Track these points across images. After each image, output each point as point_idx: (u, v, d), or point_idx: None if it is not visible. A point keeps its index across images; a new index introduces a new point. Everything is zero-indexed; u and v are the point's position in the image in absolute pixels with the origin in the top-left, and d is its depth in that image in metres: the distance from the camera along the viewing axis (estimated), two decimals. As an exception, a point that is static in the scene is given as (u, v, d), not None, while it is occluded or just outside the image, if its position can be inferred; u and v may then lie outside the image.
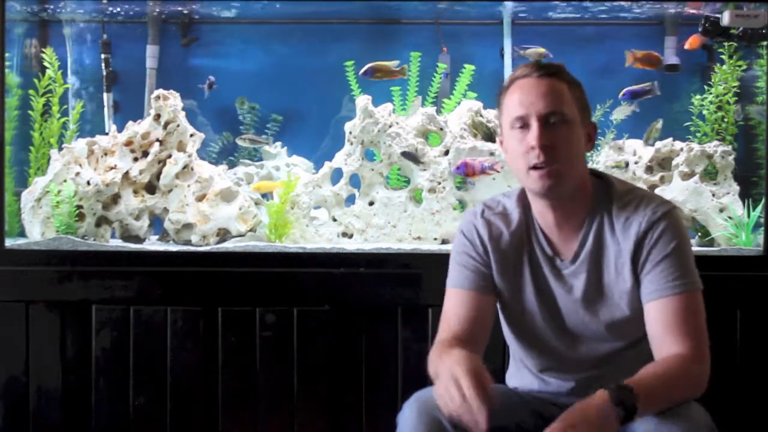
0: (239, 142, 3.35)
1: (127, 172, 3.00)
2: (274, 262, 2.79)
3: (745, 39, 3.02)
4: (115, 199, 3.01)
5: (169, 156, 3.04)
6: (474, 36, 3.57)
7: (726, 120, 3.16)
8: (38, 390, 2.72)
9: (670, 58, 3.38)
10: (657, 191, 3.00)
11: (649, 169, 3.11)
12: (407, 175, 3.13)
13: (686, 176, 3.06)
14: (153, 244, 3.05)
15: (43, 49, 3.26)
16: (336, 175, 3.11)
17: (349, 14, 3.48)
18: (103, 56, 3.49)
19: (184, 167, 3.04)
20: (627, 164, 3.12)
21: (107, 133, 3.12)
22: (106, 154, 3.04)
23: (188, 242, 3.00)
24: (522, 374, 2.12)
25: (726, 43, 3.10)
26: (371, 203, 3.08)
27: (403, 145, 3.03)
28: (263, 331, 2.70)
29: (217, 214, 3.01)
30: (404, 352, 2.70)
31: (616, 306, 1.94)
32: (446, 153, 3.06)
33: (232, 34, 3.58)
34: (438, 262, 2.76)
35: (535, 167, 1.88)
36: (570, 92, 1.92)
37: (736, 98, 3.17)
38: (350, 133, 3.06)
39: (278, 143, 3.36)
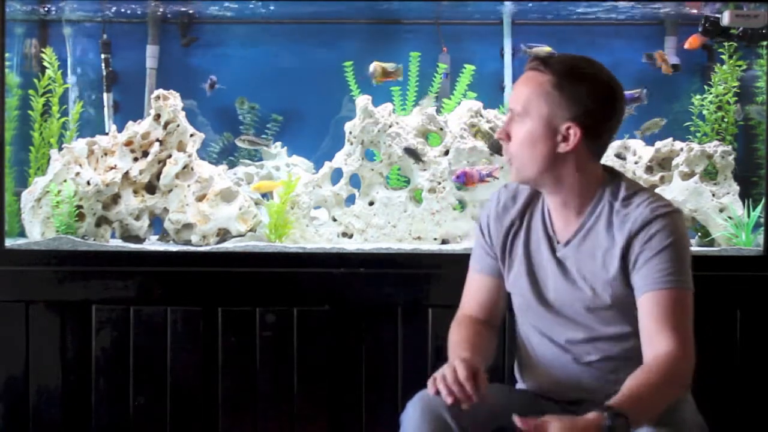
0: (239, 143, 3.34)
1: (127, 172, 3.00)
2: (274, 262, 2.79)
3: (745, 39, 3.02)
4: (115, 199, 3.01)
5: (169, 156, 3.04)
6: (474, 36, 3.57)
7: (726, 120, 3.16)
8: (38, 390, 2.72)
9: (670, 58, 3.38)
10: (657, 191, 3.00)
11: (649, 169, 3.11)
12: (407, 175, 3.13)
13: (686, 176, 3.06)
14: (153, 244, 3.05)
15: (43, 49, 3.26)
16: (336, 175, 3.11)
17: (349, 14, 3.48)
18: (103, 56, 3.49)
19: (184, 167, 3.04)
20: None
21: (107, 133, 3.12)
22: (106, 154, 3.04)
23: (188, 242, 3.00)
24: (525, 352, 2.14)
25: (726, 43, 3.10)
26: (371, 203, 3.08)
27: (403, 145, 3.03)
28: (263, 331, 2.71)
29: (217, 214, 3.01)
30: (404, 352, 2.70)
31: (598, 295, 1.96)
32: (446, 153, 3.06)
33: (232, 34, 3.58)
34: (438, 262, 2.78)
35: None
36: (551, 86, 1.90)
37: (736, 98, 3.17)
38: (350, 133, 3.06)
39: (278, 143, 3.36)
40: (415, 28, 3.56)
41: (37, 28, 3.47)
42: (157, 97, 3.04)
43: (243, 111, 3.53)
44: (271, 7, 3.37)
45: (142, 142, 3.04)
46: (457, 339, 2.05)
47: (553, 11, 3.38)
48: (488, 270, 2.13)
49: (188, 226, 3.01)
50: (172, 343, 2.71)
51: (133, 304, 2.71)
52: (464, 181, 2.91)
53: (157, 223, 3.18)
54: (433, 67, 3.36)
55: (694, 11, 3.24)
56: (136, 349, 2.71)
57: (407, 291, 2.71)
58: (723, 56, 3.15)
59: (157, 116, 3.04)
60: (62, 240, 2.85)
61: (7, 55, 2.88)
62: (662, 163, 3.14)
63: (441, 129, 3.08)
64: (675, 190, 3.02)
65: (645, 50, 3.39)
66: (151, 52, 3.49)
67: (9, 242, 2.86)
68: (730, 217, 2.97)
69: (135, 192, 3.04)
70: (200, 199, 3.03)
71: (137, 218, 3.03)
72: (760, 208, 2.90)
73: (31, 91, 3.18)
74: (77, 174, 2.93)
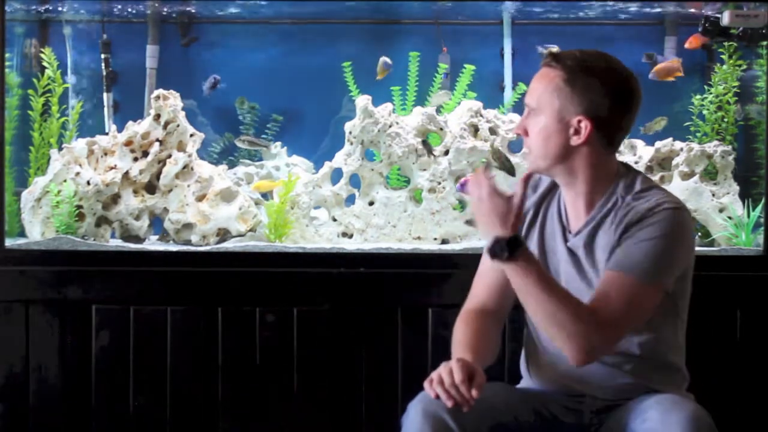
0: (238, 143, 3.34)
1: (127, 172, 3.00)
2: (274, 262, 2.79)
3: (745, 39, 3.02)
4: (115, 199, 3.01)
5: (169, 156, 3.04)
6: (474, 36, 3.57)
7: (726, 120, 3.16)
8: (38, 390, 2.72)
9: (670, 58, 3.38)
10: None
11: (649, 169, 3.11)
12: (407, 175, 3.13)
13: (686, 176, 3.06)
14: (153, 244, 3.05)
15: (42, 49, 3.26)
16: (336, 175, 3.11)
17: (349, 14, 3.48)
18: (103, 56, 3.49)
19: (184, 167, 3.04)
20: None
21: (107, 133, 3.12)
22: (106, 154, 3.04)
23: (188, 242, 3.00)
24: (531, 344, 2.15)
25: (726, 43, 3.10)
26: (371, 203, 3.08)
27: (403, 145, 3.03)
28: (263, 331, 2.70)
29: (217, 214, 3.01)
30: (404, 352, 2.70)
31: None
32: (446, 153, 3.06)
33: (232, 34, 3.58)
34: (438, 262, 2.78)
35: None
36: (562, 81, 1.93)
37: (736, 98, 3.17)
38: (350, 133, 3.06)
39: (278, 143, 3.36)
40: (415, 28, 3.56)
41: (37, 28, 3.46)
42: (157, 97, 3.04)
43: (243, 111, 3.52)
44: (276, 6, 3.38)
45: (142, 142, 3.04)
46: (460, 338, 2.05)
47: (557, 11, 3.38)
48: None
49: (188, 226, 3.01)
50: (172, 343, 2.71)
51: (133, 304, 2.71)
52: (461, 189, 2.91)
53: (157, 223, 3.17)
54: (433, 67, 3.36)
55: (692, 10, 3.24)
56: (136, 349, 2.71)
57: (407, 291, 2.71)
58: (723, 56, 3.15)
59: (157, 116, 3.04)
60: (62, 240, 2.85)
61: (7, 55, 2.88)
62: (662, 163, 3.14)
63: (441, 129, 3.09)
64: (675, 190, 3.01)
65: (645, 50, 3.39)
66: (151, 52, 3.48)
67: (9, 242, 2.86)
68: (730, 217, 2.97)
69: (135, 192, 3.04)
70: (200, 199, 3.03)
71: (137, 218, 3.03)
72: (760, 208, 2.90)
73: (30, 91, 3.18)
74: (77, 174, 2.93)
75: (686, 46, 3.24)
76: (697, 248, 2.85)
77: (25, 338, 2.71)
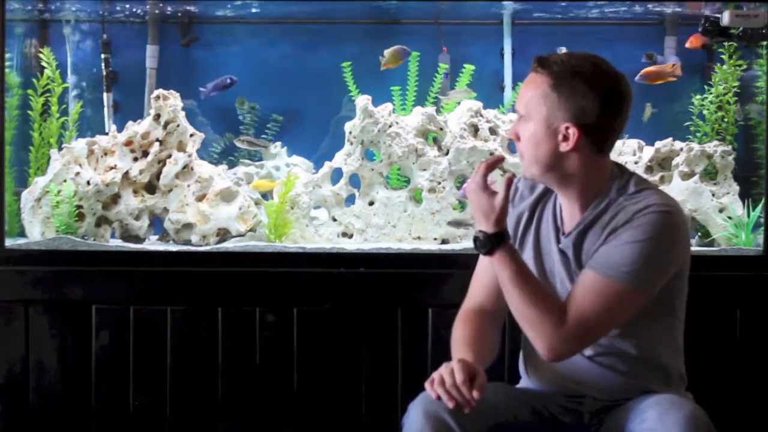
0: (237, 143, 3.34)
1: (127, 172, 3.00)
2: (274, 262, 2.79)
3: (745, 39, 3.02)
4: (115, 199, 3.01)
5: (169, 156, 3.04)
6: (474, 36, 3.57)
7: (726, 120, 3.16)
8: (38, 390, 2.72)
9: (670, 58, 3.38)
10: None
11: (649, 169, 3.11)
12: (407, 175, 3.13)
13: (686, 176, 3.06)
14: (153, 244, 3.05)
15: (41, 49, 3.26)
16: (336, 175, 3.11)
17: (349, 14, 3.48)
18: (103, 56, 3.49)
19: (184, 167, 3.04)
20: None
21: (107, 133, 3.12)
22: (106, 154, 3.04)
23: (188, 242, 3.00)
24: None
25: (726, 43, 3.10)
26: (371, 203, 3.08)
27: (403, 145, 3.03)
28: (263, 331, 2.70)
29: (217, 214, 3.01)
30: (404, 352, 2.70)
31: None
32: (446, 153, 3.06)
33: (232, 34, 3.58)
34: (438, 262, 2.78)
35: None
36: (548, 87, 1.92)
37: (736, 98, 3.17)
38: (350, 133, 3.06)
39: (278, 143, 3.36)
40: (415, 28, 3.56)
41: (37, 28, 3.47)
42: (157, 97, 3.04)
43: (243, 111, 3.52)
44: (277, 6, 3.38)
45: (142, 142, 3.04)
46: (459, 338, 2.06)
47: (558, 10, 3.38)
48: None
49: (188, 226, 3.01)
50: (172, 343, 2.71)
51: (133, 304, 2.71)
52: (465, 195, 2.94)
53: (157, 223, 3.17)
54: (433, 67, 3.36)
55: (688, 11, 3.24)
56: (136, 349, 2.71)
57: (407, 291, 2.71)
58: (723, 56, 3.15)
59: (157, 116, 3.04)
60: (62, 240, 2.85)
61: (7, 55, 2.88)
62: (662, 163, 3.14)
63: (441, 129, 3.09)
64: (675, 190, 3.02)
65: (645, 50, 3.39)
66: (151, 52, 3.48)
67: (9, 242, 2.86)
68: (729, 217, 2.97)
69: (135, 192, 3.04)
70: (200, 199, 3.03)
71: (137, 218, 3.03)
72: (759, 208, 2.90)
73: (30, 91, 3.18)
74: (77, 174, 2.93)
75: (687, 45, 3.24)
76: (697, 248, 2.88)
77: (25, 338, 2.71)
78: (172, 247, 2.92)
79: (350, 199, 3.12)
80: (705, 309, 2.60)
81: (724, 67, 3.15)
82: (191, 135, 3.09)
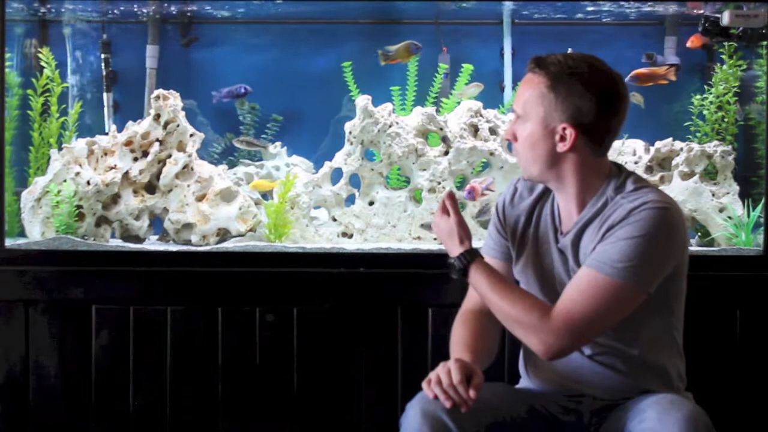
0: (236, 144, 3.35)
1: (127, 172, 3.00)
2: (274, 262, 2.79)
3: (745, 39, 3.02)
4: (115, 199, 3.02)
5: (169, 156, 3.05)
6: (474, 36, 3.57)
7: (726, 120, 3.16)
8: (38, 390, 2.72)
9: (670, 58, 3.38)
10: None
11: (649, 169, 3.11)
12: (407, 175, 3.13)
13: (686, 176, 3.06)
14: (153, 244, 3.05)
15: (40, 49, 3.26)
16: (336, 175, 3.11)
17: (349, 14, 3.48)
18: (103, 56, 3.49)
19: (184, 167, 3.04)
20: None
21: (107, 133, 3.12)
22: (106, 154, 3.04)
23: (188, 242, 3.00)
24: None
25: (726, 43, 3.10)
26: (371, 203, 3.08)
27: (403, 145, 3.03)
28: (263, 331, 2.71)
29: (217, 214, 3.01)
30: (404, 352, 2.70)
31: None
32: (446, 153, 3.06)
33: (232, 34, 3.58)
34: (438, 262, 2.78)
35: None
36: (545, 87, 1.92)
37: (736, 98, 3.17)
38: (350, 133, 3.06)
39: (278, 143, 3.36)
40: (415, 28, 3.56)
41: (37, 28, 3.47)
42: (157, 97, 3.04)
43: (243, 111, 3.52)
44: (277, 6, 3.38)
45: (142, 142, 3.04)
46: (457, 338, 2.06)
47: (558, 10, 3.38)
48: (499, 253, 2.16)
49: (188, 226, 3.01)
50: (172, 343, 2.71)
51: (133, 304, 2.71)
52: (472, 196, 2.93)
53: (157, 223, 3.18)
54: (434, 67, 3.36)
55: (683, 10, 3.24)
56: (136, 349, 2.72)
57: (407, 291, 2.71)
58: (723, 56, 3.15)
59: (157, 116, 3.04)
60: (62, 240, 2.85)
61: (7, 55, 2.88)
62: (662, 163, 3.14)
63: (441, 129, 3.09)
64: (675, 190, 3.02)
65: (645, 50, 3.39)
66: (151, 52, 3.49)
67: (9, 242, 2.86)
68: (729, 217, 2.97)
69: (135, 192, 3.04)
70: (200, 199, 3.03)
71: (137, 218, 3.03)
72: (759, 208, 2.90)
73: (30, 91, 3.18)
74: (77, 174, 2.93)
75: (688, 44, 3.24)
76: (697, 248, 2.88)
77: (25, 338, 2.71)
78: (172, 247, 2.92)
79: (350, 199, 3.12)
80: (705, 309, 2.61)
81: (724, 67, 3.15)
82: (191, 135, 3.09)
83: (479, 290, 1.99)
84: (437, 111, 3.15)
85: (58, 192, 2.90)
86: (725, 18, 2.95)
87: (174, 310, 2.71)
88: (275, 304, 2.71)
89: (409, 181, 3.12)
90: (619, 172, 2.02)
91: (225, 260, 2.80)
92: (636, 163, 3.12)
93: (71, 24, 3.49)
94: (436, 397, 1.83)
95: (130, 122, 3.09)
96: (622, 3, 3.22)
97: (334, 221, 3.08)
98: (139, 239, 3.04)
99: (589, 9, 3.30)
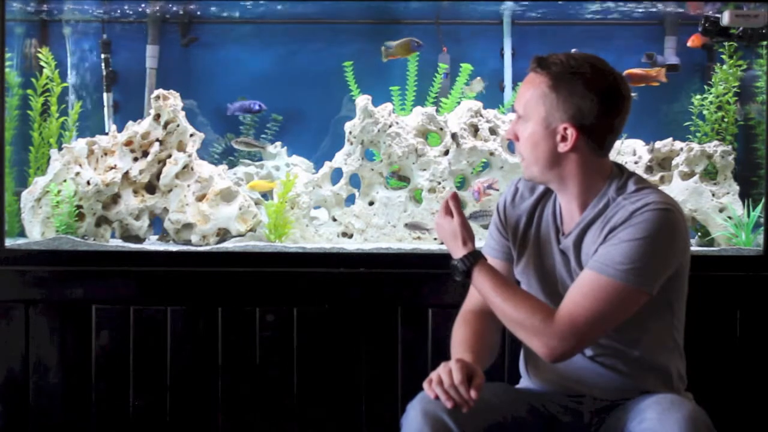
0: (236, 145, 3.34)
1: (127, 172, 3.00)
2: (274, 262, 2.79)
3: (745, 39, 3.02)
4: (115, 199, 3.02)
5: (169, 156, 3.05)
6: (474, 36, 3.57)
7: (726, 120, 3.16)
8: (38, 390, 2.72)
9: (670, 58, 3.38)
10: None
11: (649, 169, 3.11)
12: (407, 175, 3.12)
13: (686, 176, 3.06)
14: (153, 244, 3.05)
15: (39, 49, 3.26)
16: (336, 175, 3.11)
17: (349, 14, 3.48)
18: (103, 56, 3.50)
19: (184, 167, 3.05)
20: None
21: (107, 133, 3.12)
22: (106, 154, 3.04)
23: (188, 242, 3.00)
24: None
25: (726, 43, 3.10)
26: (371, 203, 3.08)
27: (403, 145, 3.03)
28: (263, 331, 2.71)
29: (217, 214, 3.01)
30: (404, 352, 2.70)
31: None
32: (446, 153, 3.06)
33: (232, 34, 3.58)
34: (438, 262, 2.78)
35: None
36: (547, 87, 1.92)
37: (736, 98, 3.17)
38: (350, 133, 3.06)
39: (278, 143, 3.36)
40: (415, 28, 3.56)
41: (37, 28, 3.47)
42: (157, 97, 3.04)
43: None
44: (277, 6, 3.38)
45: (142, 142, 3.04)
46: (458, 338, 2.06)
47: (558, 11, 3.38)
48: (500, 254, 2.16)
49: (188, 226, 3.02)
50: (172, 343, 2.71)
51: (133, 304, 2.71)
52: (478, 197, 2.94)
53: (157, 223, 3.18)
54: (433, 67, 3.36)
55: (681, 10, 3.24)
56: (136, 349, 2.72)
57: (407, 291, 2.71)
58: (723, 56, 3.15)
59: (157, 116, 3.04)
60: (62, 240, 2.85)
61: (7, 55, 2.88)
62: (662, 163, 3.14)
63: (441, 129, 3.09)
64: (675, 190, 3.02)
65: (645, 50, 3.39)
66: (151, 52, 3.49)
67: (9, 242, 2.86)
68: (729, 217, 2.97)
69: (135, 192, 3.04)
70: (200, 199, 3.03)
71: (137, 218, 3.03)
72: (759, 208, 2.90)
73: (30, 91, 3.18)
74: (77, 174, 2.93)
75: (688, 44, 3.25)
76: (697, 248, 2.88)
77: (25, 338, 2.71)
78: (172, 247, 2.92)
79: (350, 199, 3.12)
80: (705, 309, 2.60)
81: (724, 67, 3.15)
82: (191, 135, 3.09)
83: (482, 293, 1.99)
84: (437, 111, 3.15)
85: (58, 192, 2.90)
86: (725, 18, 2.95)
87: (174, 310, 2.71)
88: (275, 304, 2.71)
89: (409, 181, 3.12)
90: (621, 172, 2.02)
91: (225, 260, 2.80)
92: (636, 163, 3.12)
93: (71, 24, 3.49)
94: (437, 397, 1.83)
95: (130, 122, 3.09)
96: (622, 3, 3.22)
97: (334, 221, 3.08)
98: (139, 239, 3.04)
99: (590, 9, 3.30)
